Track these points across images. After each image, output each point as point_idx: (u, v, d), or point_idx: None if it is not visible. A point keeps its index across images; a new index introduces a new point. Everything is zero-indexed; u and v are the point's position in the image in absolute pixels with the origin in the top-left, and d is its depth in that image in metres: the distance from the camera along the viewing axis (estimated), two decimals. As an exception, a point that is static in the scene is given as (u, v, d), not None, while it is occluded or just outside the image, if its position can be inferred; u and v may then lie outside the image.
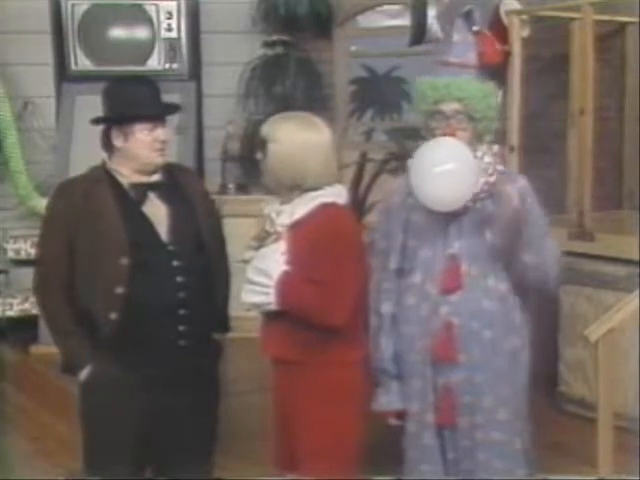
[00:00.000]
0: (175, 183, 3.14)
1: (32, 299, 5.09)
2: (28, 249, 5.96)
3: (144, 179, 3.08)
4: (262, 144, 2.98)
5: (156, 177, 3.11)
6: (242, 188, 6.31)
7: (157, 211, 3.06)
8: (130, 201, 3.05)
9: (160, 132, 3.06)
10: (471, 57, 2.95)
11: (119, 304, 2.97)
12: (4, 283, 6.20)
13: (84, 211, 3.00)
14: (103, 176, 3.08)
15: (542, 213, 3.00)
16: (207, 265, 3.12)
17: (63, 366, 3.12)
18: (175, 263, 3.03)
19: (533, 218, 2.91)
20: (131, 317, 2.97)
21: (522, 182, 3.00)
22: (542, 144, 4.79)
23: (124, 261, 2.96)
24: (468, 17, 2.96)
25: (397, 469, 3.17)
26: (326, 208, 2.92)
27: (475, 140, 2.95)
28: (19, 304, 5.98)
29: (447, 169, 2.81)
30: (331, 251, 2.88)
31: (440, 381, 2.98)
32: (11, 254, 6.12)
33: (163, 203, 3.08)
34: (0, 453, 4.29)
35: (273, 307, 2.92)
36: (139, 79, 3.22)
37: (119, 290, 2.96)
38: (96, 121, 3.10)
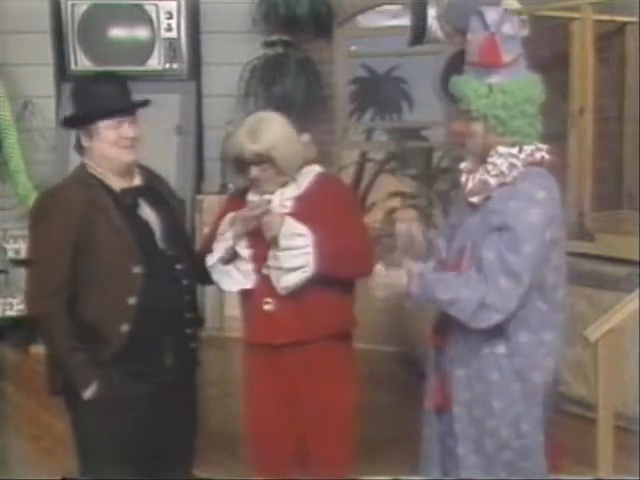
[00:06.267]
0: (153, 187, 3.09)
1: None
2: (28, 249, 5.97)
3: (126, 182, 3.00)
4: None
5: (138, 181, 3.04)
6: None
7: (149, 217, 3.01)
8: (126, 207, 2.96)
9: (127, 129, 2.94)
10: (477, 56, 2.79)
11: (131, 315, 2.88)
12: (4, 283, 6.20)
13: (87, 219, 2.88)
14: (92, 181, 2.96)
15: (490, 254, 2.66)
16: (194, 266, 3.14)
17: (55, 386, 2.98)
18: (178, 267, 3.01)
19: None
20: (143, 327, 2.89)
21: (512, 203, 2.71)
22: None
23: (137, 270, 2.89)
24: (480, 17, 2.87)
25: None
26: (325, 174, 3.20)
27: (494, 142, 2.81)
28: (19, 304, 5.97)
29: None
30: (351, 204, 3.25)
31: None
32: (11, 254, 6.13)
33: (150, 209, 3.02)
34: (0, 452, 4.29)
35: (310, 272, 2.97)
36: (105, 76, 3.10)
37: (131, 300, 2.88)
38: (63, 123, 3.03)
